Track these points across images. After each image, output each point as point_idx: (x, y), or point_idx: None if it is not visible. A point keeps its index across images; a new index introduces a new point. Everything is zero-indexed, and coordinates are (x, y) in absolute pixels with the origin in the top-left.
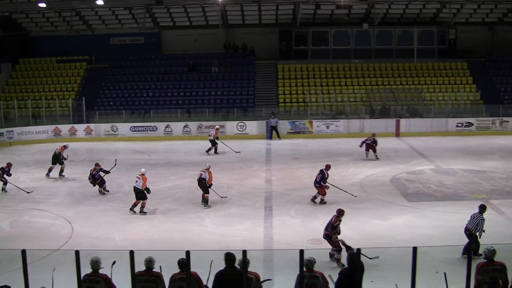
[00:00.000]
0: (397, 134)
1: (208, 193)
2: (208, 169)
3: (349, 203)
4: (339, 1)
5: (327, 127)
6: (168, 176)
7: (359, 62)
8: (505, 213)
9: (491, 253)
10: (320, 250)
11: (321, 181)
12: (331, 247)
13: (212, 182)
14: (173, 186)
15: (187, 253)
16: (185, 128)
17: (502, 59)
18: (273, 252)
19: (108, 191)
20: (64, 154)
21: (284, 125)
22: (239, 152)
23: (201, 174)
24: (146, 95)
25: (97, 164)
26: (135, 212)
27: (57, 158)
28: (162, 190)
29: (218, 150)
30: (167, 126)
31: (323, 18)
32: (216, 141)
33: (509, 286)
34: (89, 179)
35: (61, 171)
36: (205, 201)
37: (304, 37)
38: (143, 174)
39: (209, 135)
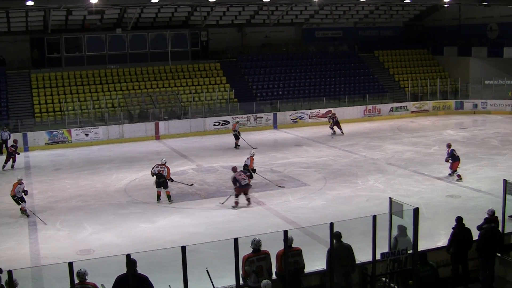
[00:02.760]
0: (157, 137)
1: (251, 177)
2: (252, 156)
3: (115, 209)
4: (91, 7)
5: (87, 135)
6: None
7: (115, 67)
8: (266, 204)
9: (256, 243)
10: (91, 260)
11: (449, 158)
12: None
13: (254, 167)
14: None
15: None
16: None
17: (252, 58)
18: (41, 268)
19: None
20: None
21: (42, 136)
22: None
23: (245, 161)
24: None
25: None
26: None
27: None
28: None
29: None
30: None
31: (76, 24)
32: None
33: (273, 272)
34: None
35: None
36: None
37: (57, 44)
38: (16, 181)
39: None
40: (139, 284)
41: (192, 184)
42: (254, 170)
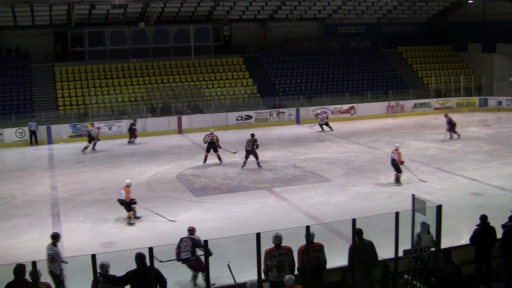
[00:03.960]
0: (180, 131)
1: (400, 172)
2: (397, 149)
3: (138, 203)
4: (114, 1)
5: (110, 128)
6: None
7: (138, 61)
8: (288, 199)
9: (278, 238)
10: (113, 253)
11: None
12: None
13: (403, 161)
14: None
15: None
16: None
17: (275, 53)
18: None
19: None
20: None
21: (65, 129)
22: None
23: (392, 155)
24: None
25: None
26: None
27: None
28: None
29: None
30: None
31: (99, 18)
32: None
33: (295, 267)
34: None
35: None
36: (397, 179)
37: (80, 38)
38: (127, 186)
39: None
40: (150, 278)
41: (236, 152)
42: (402, 163)
